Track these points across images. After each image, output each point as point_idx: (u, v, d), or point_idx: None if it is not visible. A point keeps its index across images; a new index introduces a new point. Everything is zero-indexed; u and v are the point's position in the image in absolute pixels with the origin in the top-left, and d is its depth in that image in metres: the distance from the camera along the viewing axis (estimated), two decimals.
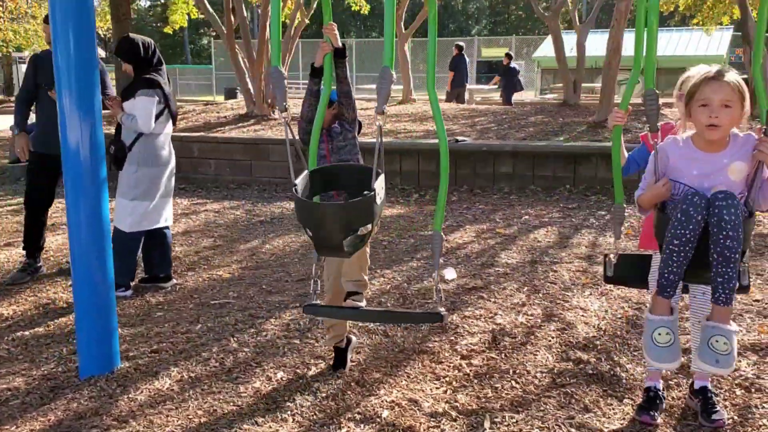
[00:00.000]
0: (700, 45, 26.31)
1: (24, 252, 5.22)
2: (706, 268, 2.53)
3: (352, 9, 18.26)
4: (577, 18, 13.45)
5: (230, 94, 22.96)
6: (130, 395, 3.23)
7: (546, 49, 29.22)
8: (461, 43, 17.78)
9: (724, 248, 2.44)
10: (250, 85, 11.30)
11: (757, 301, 4.28)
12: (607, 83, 9.58)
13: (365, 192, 2.63)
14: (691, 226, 2.45)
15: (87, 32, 3.20)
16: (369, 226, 2.65)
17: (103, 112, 3.90)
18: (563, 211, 7.01)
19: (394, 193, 8.27)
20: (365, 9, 17.45)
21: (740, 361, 3.46)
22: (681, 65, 16.61)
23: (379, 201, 2.70)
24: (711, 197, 2.48)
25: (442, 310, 2.82)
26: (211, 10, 11.29)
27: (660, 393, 3.03)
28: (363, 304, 3.17)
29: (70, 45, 3.16)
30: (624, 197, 2.99)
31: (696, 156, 2.62)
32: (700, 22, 18.94)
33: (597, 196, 7.68)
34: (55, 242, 6.03)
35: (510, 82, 17.21)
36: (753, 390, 3.18)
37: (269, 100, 11.34)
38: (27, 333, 4.10)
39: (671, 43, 26.59)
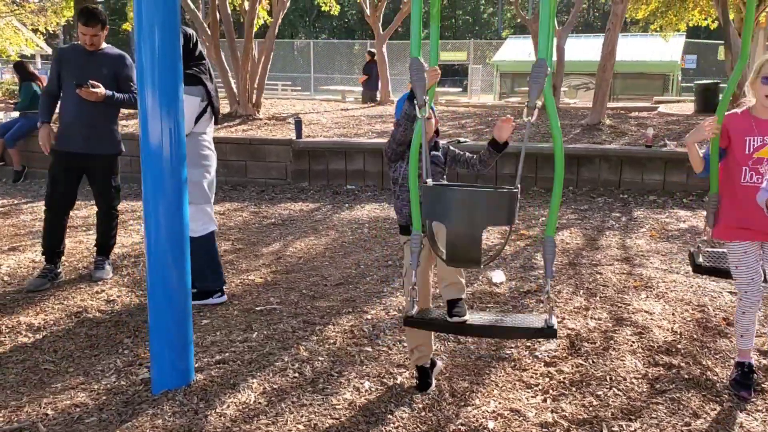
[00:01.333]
0: (655, 51, 26.95)
1: (43, 257, 4.91)
2: None
3: (322, 9, 18.11)
4: (555, 22, 13.57)
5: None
6: (217, 410, 3.02)
7: (504, 53, 29.55)
8: (373, 50, 18.46)
9: None
10: (233, 85, 11.00)
11: None
12: (600, 86, 9.65)
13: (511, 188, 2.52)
14: None
15: (172, 28, 3.00)
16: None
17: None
18: (577, 213, 7.00)
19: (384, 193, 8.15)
20: (335, 9, 17.29)
21: None
22: (637, 70, 16.98)
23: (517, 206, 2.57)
24: None
25: (553, 321, 2.70)
26: (192, 6, 10.95)
27: (753, 368, 3.23)
28: (467, 317, 2.92)
29: (155, 41, 2.95)
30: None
31: None
32: (659, 28, 19.39)
33: (603, 197, 7.72)
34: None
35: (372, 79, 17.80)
36: None
37: (254, 100, 11.08)
38: (69, 344, 3.82)
39: (627, 48, 27.14)
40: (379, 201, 7.80)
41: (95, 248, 5.11)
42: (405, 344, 3.72)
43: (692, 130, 3.23)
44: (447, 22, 52.41)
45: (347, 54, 37.00)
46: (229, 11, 10.96)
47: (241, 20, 13.63)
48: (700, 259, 3.30)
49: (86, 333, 3.99)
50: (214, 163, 4.35)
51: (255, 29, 11.26)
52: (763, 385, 3.27)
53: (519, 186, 2.56)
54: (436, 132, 3.22)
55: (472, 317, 2.92)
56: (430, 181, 2.65)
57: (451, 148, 3.23)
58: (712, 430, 2.88)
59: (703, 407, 3.06)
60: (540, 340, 3.74)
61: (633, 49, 27.20)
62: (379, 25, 14.81)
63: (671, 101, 19.23)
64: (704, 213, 6.18)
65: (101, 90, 4.53)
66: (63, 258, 5.15)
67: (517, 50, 28.04)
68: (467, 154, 3.18)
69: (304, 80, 30.13)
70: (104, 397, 3.19)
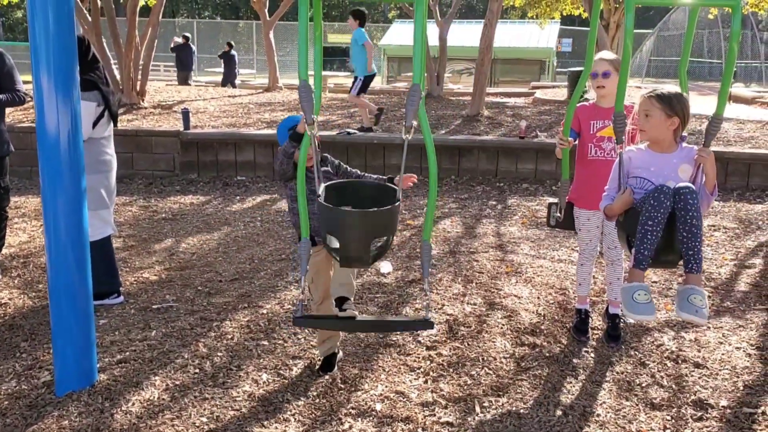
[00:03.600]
0: (532, 37, 28.27)
1: None
2: (668, 253, 3.04)
3: None
4: (437, 12, 14.05)
5: None
6: (122, 408, 3.20)
7: (390, 37, 30.03)
8: (187, 34, 20.16)
9: (691, 227, 2.92)
10: (117, 73, 10.78)
11: (655, 282, 4.94)
12: (479, 79, 10.20)
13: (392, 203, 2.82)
14: (662, 210, 2.92)
15: (67, 5, 3.05)
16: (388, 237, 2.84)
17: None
18: (458, 202, 7.49)
19: (275, 185, 8.35)
20: None
21: (662, 337, 4.05)
22: (515, 56, 17.92)
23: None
24: (675, 190, 2.96)
25: (430, 316, 2.92)
26: None
27: (588, 312, 4.13)
28: (356, 313, 3.19)
29: (48, 20, 3.00)
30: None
31: (653, 157, 3.17)
32: (535, 16, 20.44)
33: (482, 186, 8.26)
34: None
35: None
36: (680, 361, 3.76)
37: (138, 88, 10.90)
38: None
39: (506, 35, 28.29)
40: (270, 192, 7.99)
41: None
42: (299, 336, 4.01)
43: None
44: (333, 1, 52.39)
45: (232, 33, 36.39)
46: None
47: (121, 1, 13.26)
48: (553, 222, 4.05)
49: None
50: (113, 169, 4.44)
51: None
52: (611, 359, 3.79)
53: (400, 200, 2.88)
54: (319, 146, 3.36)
55: (360, 316, 3.23)
56: (321, 198, 2.86)
57: (343, 165, 3.52)
58: (567, 401, 3.35)
59: (561, 381, 3.54)
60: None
61: (511, 35, 28.40)
62: (266, 10, 14.80)
63: (547, 86, 20.35)
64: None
65: None
66: None
67: (404, 34, 28.57)
68: (358, 172, 3.52)
69: None
70: (6, 402, 3.28)
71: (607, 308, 4.10)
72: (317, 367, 3.61)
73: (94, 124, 4.21)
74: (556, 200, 4.04)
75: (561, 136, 3.79)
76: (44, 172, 3.17)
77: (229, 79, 18.66)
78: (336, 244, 2.82)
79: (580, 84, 3.73)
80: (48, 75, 3.07)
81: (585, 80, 3.73)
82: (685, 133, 3.18)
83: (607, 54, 3.88)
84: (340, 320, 3.13)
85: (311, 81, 2.79)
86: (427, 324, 2.92)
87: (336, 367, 3.61)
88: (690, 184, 3.00)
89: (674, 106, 3.07)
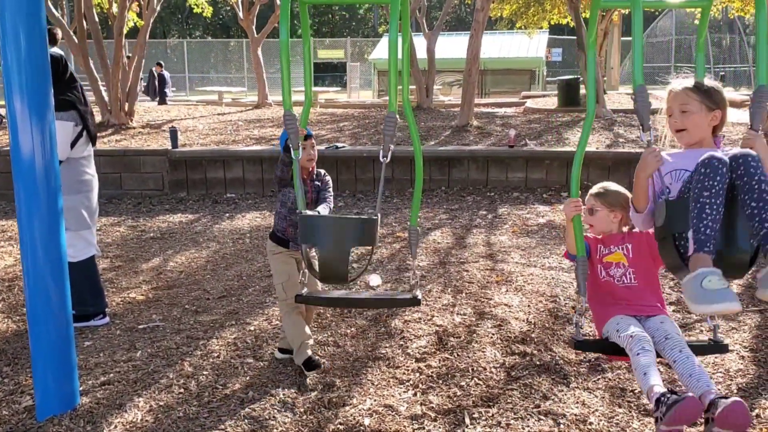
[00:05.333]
0: (522, 47, 28.40)
1: None
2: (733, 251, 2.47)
3: (193, 11, 17.92)
4: (425, 24, 14.10)
5: None
6: (104, 431, 3.13)
7: (381, 51, 30.10)
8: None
9: (762, 192, 2.34)
10: (104, 93, 10.76)
11: None
12: (467, 89, 10.20)
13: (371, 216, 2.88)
14: (718, 177, 2.33)
15: (39, 28, 3.01)
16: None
17: None
18: (448, 213, 7.44)
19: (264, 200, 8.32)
20: (208, 11, 17.12)
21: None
22: (506, 66, 18.10)
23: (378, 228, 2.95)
24: (730, 158, 2.40)
25: (418, 294, 3.02)
26: (57, 14, 10.59)
27: (672, 390, 2.60)
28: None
29: (20, 43, 2.95)
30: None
31: (683, 153, 2.73)
32: (523, 26, 20.56)
33: (472, 196, 8.22)
34: None
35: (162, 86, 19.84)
36: None
37: (126, 108, 10.88)
38: None
39: (495, 45, 28.41)
40: (260, 209, 7.95)
41: None
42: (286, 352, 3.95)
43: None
44: (324, 17, 52.57)
45: (223, 52, 36.50)
46: (96, 17, 10.68)
47: (110, 23, 13.30)
48: (582, 333, 2.99)
49: None
50: (94, 188, 4.38)
51: (125, 31, 11.05)
52: (604, 366, 3.73)
53: (378, 215, 2.91)
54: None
55: (352, 293, 3.40)
56: (306, 212, 2.94)
57: (326, 191, 3.73)
58: (559, 409, 3.29)
59: (552, 389, 3.48)
60: (410, 338, 4.08)
61: (501, 46, 28.54)
62: (253, 28, 14.82)
63: (537, 96, 20.41)
64: (560, 207, 6.71)
65: None
66: None
67: None
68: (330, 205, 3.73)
69: (178, 80, 29.53)
70: None
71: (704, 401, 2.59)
72: (301, 370, 3.62)
73: (73, 145, 4.16)
74: (575, 324, 3.02)
75: (571, 200, 2.94)
76: (20, 195, 3.13)
77: (162, 98, 19.15)
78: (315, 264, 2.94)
79: (584, 133, 2.90)
80: (21, 97, 3.03)
81: (593, 108, 3.15)
82: (722, 134, 2.76)
83: (603, 187, 3.12)
84: (333, 298, 3.31)
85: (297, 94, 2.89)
86: (415, 301, 3.03)
87: (318, 365, 3.64)
88: (747, 150, 2.43)
89: (714, 96, 2.64)
